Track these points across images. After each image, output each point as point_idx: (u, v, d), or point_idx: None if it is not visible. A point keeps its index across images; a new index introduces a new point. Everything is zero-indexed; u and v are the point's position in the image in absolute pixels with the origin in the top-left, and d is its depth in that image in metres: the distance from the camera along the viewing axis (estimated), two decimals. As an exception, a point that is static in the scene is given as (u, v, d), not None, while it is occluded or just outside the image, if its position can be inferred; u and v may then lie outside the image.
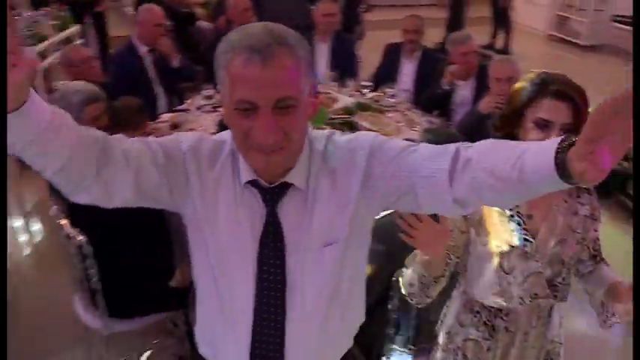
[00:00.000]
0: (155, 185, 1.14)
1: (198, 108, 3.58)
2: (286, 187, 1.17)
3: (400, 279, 1.72)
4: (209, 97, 3.63)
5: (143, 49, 3.76)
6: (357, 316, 1.41)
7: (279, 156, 1.10)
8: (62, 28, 5.09)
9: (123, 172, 1.08)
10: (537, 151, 0.91)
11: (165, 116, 3.49)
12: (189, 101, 3.76)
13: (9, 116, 0.87)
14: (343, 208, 1.18)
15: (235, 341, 1.27)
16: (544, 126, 1.46)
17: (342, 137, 1.23)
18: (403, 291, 1.69)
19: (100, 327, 2.38)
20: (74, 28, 5.33)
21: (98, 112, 2.47)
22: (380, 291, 2.05)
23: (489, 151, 1.01)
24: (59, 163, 0.98)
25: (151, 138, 1.21)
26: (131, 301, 2.38)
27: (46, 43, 4.88)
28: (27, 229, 3.77)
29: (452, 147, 1.06)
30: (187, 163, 1.18)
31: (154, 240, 2.40)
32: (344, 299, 1.28)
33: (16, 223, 3.77)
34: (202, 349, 1.39)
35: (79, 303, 2.48)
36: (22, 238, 3.70)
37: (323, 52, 4.26)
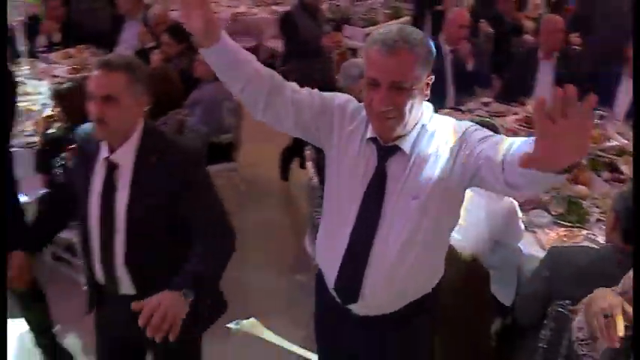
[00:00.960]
0: (307, 123, 1.63)
1: (471, 111, 3.79)
2: (396, 149, 1.56)
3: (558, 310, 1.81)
4: (485, 104, 3.80)
5: (446, 48, 4.12)
6: (429, 270, 1.71)
7: (389, 122, 1.50)
8: (394, 17, 5.81)
9: (286, 105, 1.58)
10: None
11: (446, 111, 3.81)
12: (470, 103, 4.00)
13: (208, 50, 1.43)
14: (432, 173, 1.54)
15: (333, 255, 1.67)
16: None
17: (446, 122, 1.58)
18: (573, 336, 1.73)
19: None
20: (405, 19, 6.01)
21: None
22: (532, 314, 2.07)
23: (526, 144, 1.26)
24: (240, 85, 1.53)
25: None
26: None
27: (374, 27, 5.67)
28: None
29: (508, 139, 1.40)
30: (335, 115, 1.64)
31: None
32: (418, 249, 1.59)
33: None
34: (317, 258, 1.80)
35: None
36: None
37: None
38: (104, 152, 1.85)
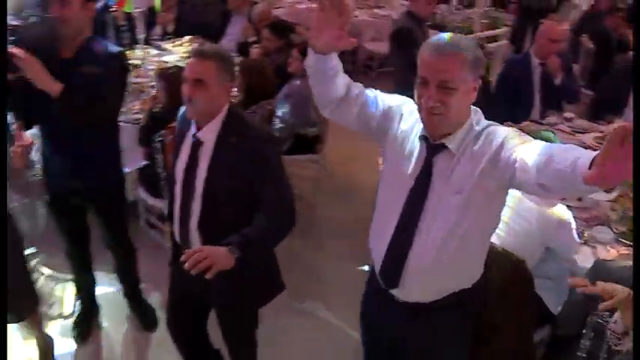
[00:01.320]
0: (368, 121, 1.85)
1: (551, 125, 3.78)
2: (443, 147, 1.71)
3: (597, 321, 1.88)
4: (568, 119, 3.78)
5: (536, 62, 4.11)
6: (467, 265, 1.85)
7: (436, 118, 1.65)
8: (491, 27, 5.81)
9: (351, 106, 1.82)
10: (587, 157, 1.26)
11: (525, 123, 3.83)
12: (552, 117, 3.98)
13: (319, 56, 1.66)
14: (474, 171, 1.68)
15: (381, 243, 1.85)
16: None
17: (492, 127, 1.72)
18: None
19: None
20: (502, 30, 5.98)
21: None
22: (574, 323, 2.12)
23: (564, 151, 1.39)
24: (321, 87, 1.78)
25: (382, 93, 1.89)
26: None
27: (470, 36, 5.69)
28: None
29: (543, 143, 1.54)
30: (394, 115, 1.84)
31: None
32: (457, 243, 1.74)
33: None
34: (369, 245, 1.97)
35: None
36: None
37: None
38: (193, 130, 2.13)
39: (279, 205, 2.12)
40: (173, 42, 5.21)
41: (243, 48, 5.03)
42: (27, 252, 3.45)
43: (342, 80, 1.78)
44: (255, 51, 4.68)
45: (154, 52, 5.05)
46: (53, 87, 2.43)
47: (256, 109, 3.67)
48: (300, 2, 7.36)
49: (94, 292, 3.26)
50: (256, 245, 2.05)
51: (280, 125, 3.97)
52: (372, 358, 2.19)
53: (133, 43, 5.18)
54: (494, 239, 2.27)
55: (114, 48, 2.76)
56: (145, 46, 5.15)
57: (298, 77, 4.04)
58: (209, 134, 2.11)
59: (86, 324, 3.22)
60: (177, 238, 2.24)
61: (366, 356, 2.20)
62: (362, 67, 7.09)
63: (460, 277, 1.87)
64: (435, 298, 1.86)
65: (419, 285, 1.83)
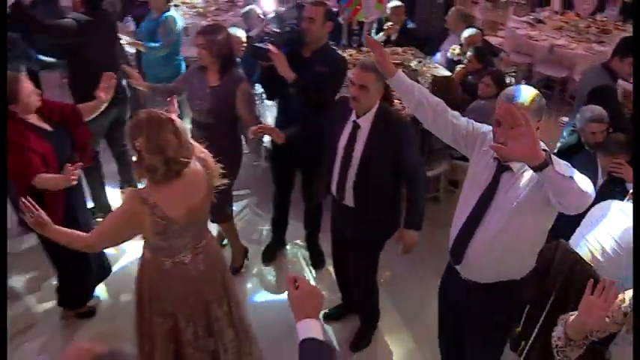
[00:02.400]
0: (459, 140, 2.52)
1: None
2: (509, 168, 2.32)
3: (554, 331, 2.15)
4: None
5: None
6: (517, 257, 2.45)
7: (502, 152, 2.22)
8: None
9: (447, 126, 2.51)
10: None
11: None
12: None
13: (391, 79, 2.52)
14: (525, 188, 2.30)
15: (455, 229, 2.53)
16: None
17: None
18: (553, 344, 2.08)
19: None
20: None
21: (597, 130, 3.57)
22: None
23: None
24: (412, 106, 2.53)
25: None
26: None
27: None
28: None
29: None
30: (478, 139, 2.48)
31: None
32: (509, 237, 2.36)
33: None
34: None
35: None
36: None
37: None
38: (353, 117, 3.03)
39: (418, 173, 3.06)
40: (390, 49, 6.07)
41: (450, 65, 5.72)
42: (242, 192, 4.69)
43: (431, 100, 2.52)
44: (458, 69, 5.34)
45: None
46: (289, 75, 3.47)
47: None
48: (519, 28, 7.71)
49: (284, 230, 4.35)
50: (421, 210, 3.08)
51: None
52: (443, 321, 2.95)
53: (360, 45, 6.21)
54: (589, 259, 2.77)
55: (339, 55, 3.79)
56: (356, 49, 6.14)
57: (484, 98, 4.64)
58: (365, 121, 3.01)
59: (273, 252, 4.35)
60: (335, 194, 3.20)
61: (439, 319, 2.97)
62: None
63: (510, 265, 2.47)
64: (487, 282, 2.51)
65: (475, 265, 2.49)
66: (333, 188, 3.20)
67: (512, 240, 2.37)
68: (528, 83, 7.24)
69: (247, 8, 6.09)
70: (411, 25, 6.44)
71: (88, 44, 4.14)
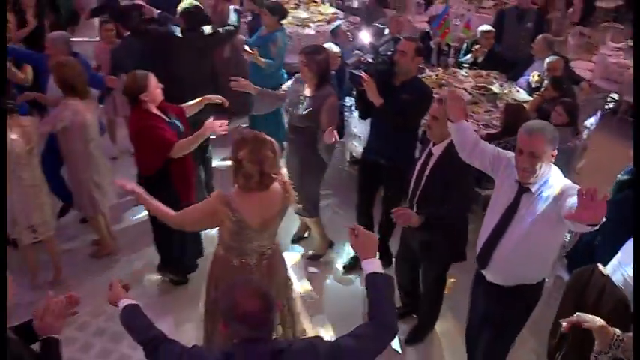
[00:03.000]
0: (486, 165, 3.03)
1: None
2: (528, 189, 2.79)
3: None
4: None
5: None
6: (533, 264, 2.98)
7: (526, 174, 2.75)
8: None
9: (478, 155, 3.02)
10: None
11: None
12: None
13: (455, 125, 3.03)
14: (544, 206, 2.78)
15: (482, 239, 3.04)
16: None
17: (560, 181, 2.76)
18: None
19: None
20: None
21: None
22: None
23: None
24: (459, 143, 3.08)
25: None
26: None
27: None
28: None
29: (573, 188, 2.57)
30: (503, 164, 2.96)
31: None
32: (524, 250, 2.88)
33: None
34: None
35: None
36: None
37: None
38: (430, 146, 3.57)
39: (461, 197, 3.50)
40: (475, 72, 6.46)
41: (531, 90, 6.02)
42: (325, 192, 5.29)
43: (475, 138, 3.03)
44: (535, 96, 5.64)
45: (461, 76, 6.41)
46: (377, 100, 4.10)
47: (507, 140, 4.73)
48: (611, 55, 7.81)
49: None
50: (440, 216, 3.51)
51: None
52: (470, 319, 3.50)
53: (447, 66, 6.66)
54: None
55: (425, 87, 4.26)
56: (455, 70, 6.56)
57: (558, 127, 4.94)
58: (438, 150, 3.54)
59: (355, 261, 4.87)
60: (408, 206, 3.75)
61: (467, 319, 3.51)
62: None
63: (524, 272, 3.01)
64: (508, 284, 3.01)
65: (498, 270, 3.01)
66: (407, 203, 3.79)
67: (530, 249, 2.86)
68: (614, 111, 7.41)
69: (335, 24, 6.72)
70: (498, 49, 6.79)
71: (177, 59, 4.92)
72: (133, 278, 4.53)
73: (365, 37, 6.94)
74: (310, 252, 5.01)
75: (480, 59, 6.71)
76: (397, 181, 4.15)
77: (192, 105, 4.25)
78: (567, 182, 2.81)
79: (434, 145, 3.56)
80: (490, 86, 6.07)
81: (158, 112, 3.96)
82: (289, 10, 8.51)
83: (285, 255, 3.47)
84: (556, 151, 2.80)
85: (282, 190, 3.08)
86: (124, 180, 3.22)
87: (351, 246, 2.35)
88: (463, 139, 3.10)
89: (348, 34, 6.67)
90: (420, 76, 6.15)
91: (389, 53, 5.92)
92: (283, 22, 5.98)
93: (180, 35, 4.94)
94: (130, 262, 4.89)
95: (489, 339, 3.31)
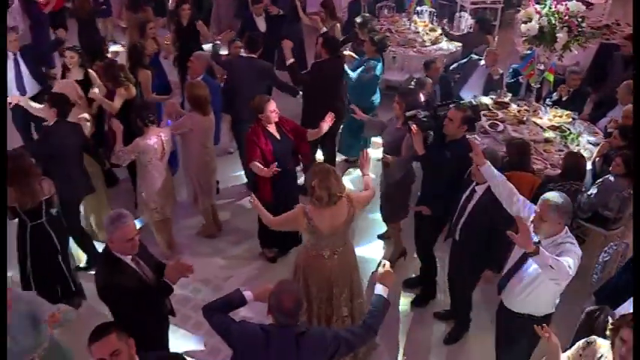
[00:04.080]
0: (514, 212, 3.74)
1: None
2: (539, 242, 3.43)
3: None
4: None
5: None
6: (536, 303, 3.68)
7: (536, 232, 3.45)
8: None
9: (511, 203, 3.79)
10: None
11: None
12: None
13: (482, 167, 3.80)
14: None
15: (506, 269, 3.81)
16: None
17: (567, 240, 3.47)
18: None
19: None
20: None
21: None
22: None
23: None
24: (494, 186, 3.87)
25: None
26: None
27: None
28: None
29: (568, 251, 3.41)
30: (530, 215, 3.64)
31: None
32: (532, 286, 3.62)
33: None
34: None
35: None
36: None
37: None
38: (474, 184, 4.31)
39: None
40: (555, 113, 6.88)
41: (607, 134, 6.31)
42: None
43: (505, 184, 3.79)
44: (603, 142, 5.97)
45: (541, 113, 6.85)
46: (420, 150, 4.83)
47: (564, 184, 5.21)
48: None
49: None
50: None
51: (585, 201, 5.40)
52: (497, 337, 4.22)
53: (530, 102, 7.10)
54: None
55: (466, 149, 4.37)
56: (537, 105, 7.00)
57: (615, 176, 5.36)
58: (480, 189, 4.27)
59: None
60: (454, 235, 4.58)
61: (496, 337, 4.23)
62: None
63: (532, 307, 3.68)
64: (519, 312, 3.72)
65: (511, 298, 3.75)
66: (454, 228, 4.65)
67: (537, 286, 3.57)
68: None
69: (430, 59, 7.35)
70: (587, 89, 7.16)
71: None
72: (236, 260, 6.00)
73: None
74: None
75: (565, 98, 7.09)
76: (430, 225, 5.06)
77: (312, 132, 5.43)
78: (573, 248, 3.43)
79: (477, 184, 4.31)
80: (566, 126, 6.48)
81: (271, 130, 5.18)
82: (400, 31, 9.31)
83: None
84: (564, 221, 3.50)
85: (348, 203, 4.08)
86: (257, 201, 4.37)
87: (380, 279, 3.33)
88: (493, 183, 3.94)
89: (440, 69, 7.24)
90: (503, 110, 6.78)
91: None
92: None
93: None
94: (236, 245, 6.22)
95: (501, 351, 4.19)
